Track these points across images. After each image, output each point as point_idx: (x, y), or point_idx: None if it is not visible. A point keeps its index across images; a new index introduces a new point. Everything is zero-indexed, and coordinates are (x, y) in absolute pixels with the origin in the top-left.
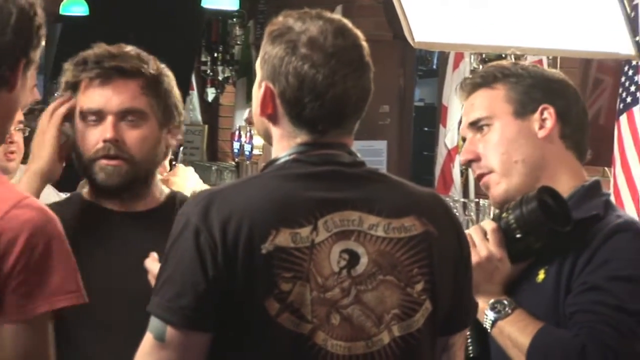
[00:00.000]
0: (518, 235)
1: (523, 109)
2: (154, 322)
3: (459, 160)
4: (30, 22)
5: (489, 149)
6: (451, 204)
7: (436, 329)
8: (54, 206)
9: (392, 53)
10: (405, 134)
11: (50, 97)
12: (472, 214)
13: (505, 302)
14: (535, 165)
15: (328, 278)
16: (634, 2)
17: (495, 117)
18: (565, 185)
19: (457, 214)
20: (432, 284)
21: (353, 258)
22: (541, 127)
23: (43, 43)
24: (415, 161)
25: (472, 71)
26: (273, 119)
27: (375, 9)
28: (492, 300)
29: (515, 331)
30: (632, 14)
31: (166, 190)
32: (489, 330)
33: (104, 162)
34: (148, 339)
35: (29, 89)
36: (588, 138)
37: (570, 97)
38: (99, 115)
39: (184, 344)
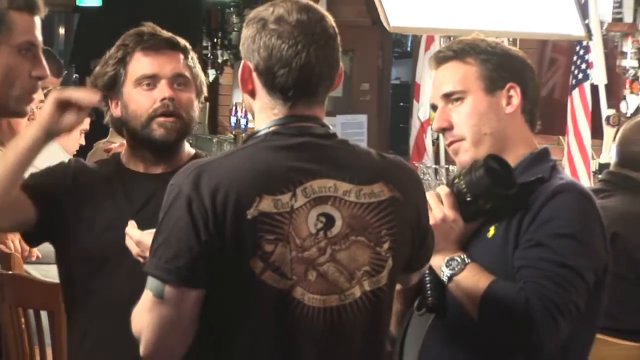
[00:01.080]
0: (469, 199)
1: (493, 86)
2: (153, 281)
3: (430, 131)
4: None
5: (461, 119)
6: (424, 170)
7: (395, 282)
8: (97, 164)
9: (371, 37)
10: (384, 108)
11: (69, 77)
12: (442, 178)
13: (459, 258)
14: (501, 136)
15: (306, 239)
16: None
17: (468, 91)
18: (519, 153)
19: (429, 178)
20: (395, 243)
21: (329, 221)
22: (508, 103)
23: (9, 30)
24: (392, 133)
25: None
26: (253, 94)
27: None
28: (447, 258)
29: (468, 286)
30: (583, 1)
31: (192, 152)
32: (446, 284)
33: (161, 119)
34: (148, 296)
35: (20, 71)
36: (539, 111)
37: (529, 75)
38: (154, 80)
39: (180, 300)
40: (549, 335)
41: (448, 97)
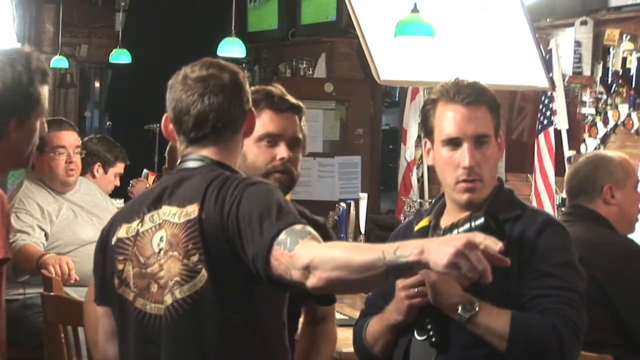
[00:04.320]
0: None
1: (495, 134)
2: None
3: (416, 169)
4: (21, 89)
5: (484, 162)
6: (410, 203)
7: (222, 289)
8: None
9: (364, 89)
10: (375, 150)
11: (104, 127)
12: None
13: (472, 301)
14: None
15: (150, 257)
16: (549, 48)
17: (491, 137)
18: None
19: (415, 211)
20: (206, 255)
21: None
22: (500, 149)
23: (41, 104)
24: (382, 171)
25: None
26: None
27: (351, 55)
28: (463, 302)
29: (490, 322)
30: (547, 57)
31: None
32: (465, 326)
33: (278, 175)
34: None
35: (35, 134)
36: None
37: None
38: (275, 139)
39: (100, 315)
40: (575, 352)
41: (479, 138)
